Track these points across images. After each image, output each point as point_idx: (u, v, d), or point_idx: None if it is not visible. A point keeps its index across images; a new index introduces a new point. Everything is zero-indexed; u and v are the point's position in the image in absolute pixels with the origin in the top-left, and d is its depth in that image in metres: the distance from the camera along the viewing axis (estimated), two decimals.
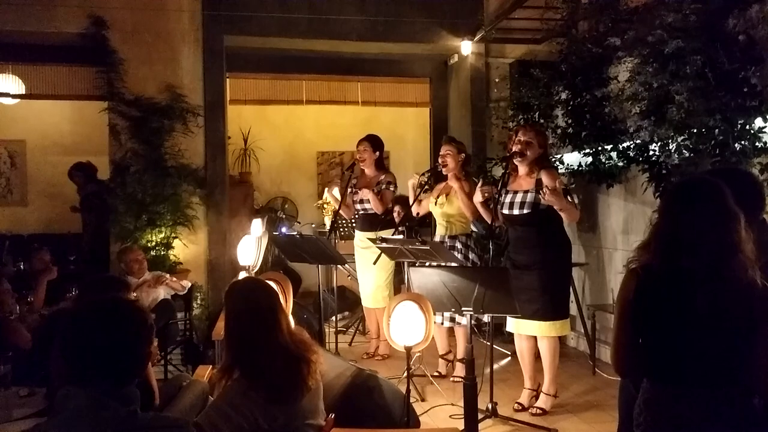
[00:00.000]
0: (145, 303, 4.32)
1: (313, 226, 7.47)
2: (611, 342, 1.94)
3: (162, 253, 5.47)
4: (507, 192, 3.73)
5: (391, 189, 4.74)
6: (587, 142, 4.67)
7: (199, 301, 5.49)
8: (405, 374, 3.01)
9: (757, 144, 3.34)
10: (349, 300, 6.07)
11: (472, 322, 3.21)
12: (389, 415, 2.95)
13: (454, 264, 3.86)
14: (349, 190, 4.78)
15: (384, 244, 4.00)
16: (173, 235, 5.54)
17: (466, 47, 6.13)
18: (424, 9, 6.06)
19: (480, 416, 3.31)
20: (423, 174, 4.39)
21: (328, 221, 6.63)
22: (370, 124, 6.59)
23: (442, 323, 4.27)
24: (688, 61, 3.41)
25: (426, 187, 4.37)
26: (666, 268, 1.76)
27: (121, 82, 5.47)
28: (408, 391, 2.94)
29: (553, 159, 4.80)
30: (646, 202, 4.25)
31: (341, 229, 5.91)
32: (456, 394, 3.89)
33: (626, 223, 4.67)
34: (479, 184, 3.84)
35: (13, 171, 7.49)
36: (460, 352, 4.27)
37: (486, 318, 3.71)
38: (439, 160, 4.31)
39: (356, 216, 4.96)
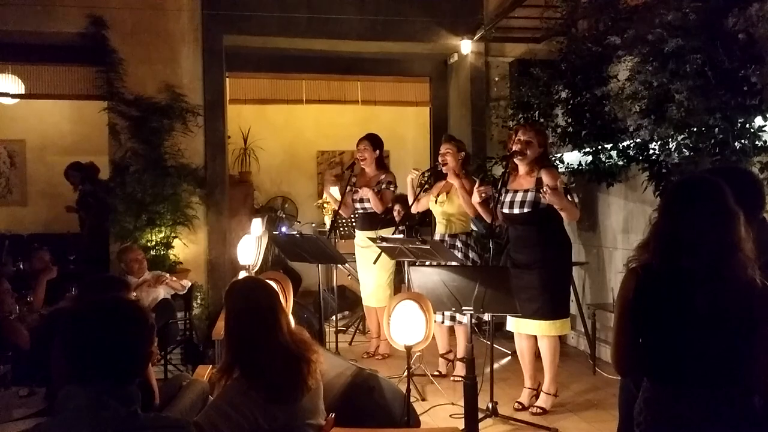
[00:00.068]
0: (145, 303, 4.31)
1: (313, 225, 7.46)
2: (611, 341, 1.94)
3: (162, 252, 5.47)
4: (507, 191, 3.73)
5: (392, 189, 4.74)
6: (587, 141, 4.66)
7: (199, 301, 5.49)
8: (405, 373, 3.01)
9: (756, 143, 3.34)
10: (349, 299, 6.07)
11: (473, 321, 3.20)
12: (389, 415, 2.95)
13: (454, 263, 3.86)
14: (348, 188, 4.78)
15: (384, 244, 4.00)
16: (173, 234, 5.54)
17: (466, 46, 6.13)
18: (423, 8, 6.06)
19: (480, 415, 3.31)
20: (423, 173, 4.39)
21: (328, 221, 6.64)
22: (370, 124, 6.59)
23: (443, 322, 4.27)
24: (688, 60, 3.41)
25: (426, 186, 4.37)
26: (666, 267, 1.76)
27: (121, 82, 5.46)
28: (408, 390, 2.94)
29: (553, 158, 4.80)
30: (646, 201, 4.24)
31: (341, 229, 5.91)
32: (456, 393, 3.89)
33: (626, 222, 4.67)
34: (476, 185, 3.84)
35: (13, 171, 7.49)
36: (461, 351, 4.27)
37: (486, 317, 3.71)
38: (439, 159, 4.32)
39: (356, 215, 4.96)
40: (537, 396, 3.77)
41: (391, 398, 3.02)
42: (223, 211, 5.86)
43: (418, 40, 6.15)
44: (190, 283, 4.93)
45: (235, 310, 2.12)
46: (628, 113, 4.16)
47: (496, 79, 6.11)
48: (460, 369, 4.26)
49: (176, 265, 5.49)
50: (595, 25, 4.62)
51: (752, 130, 3.33)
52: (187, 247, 5.64)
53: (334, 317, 5.38)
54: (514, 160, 3.70)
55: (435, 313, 2.95)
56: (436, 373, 4.40)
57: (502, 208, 3.71)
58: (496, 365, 4.00)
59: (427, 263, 3.85)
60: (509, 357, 4.76)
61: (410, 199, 4.42)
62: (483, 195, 3.76)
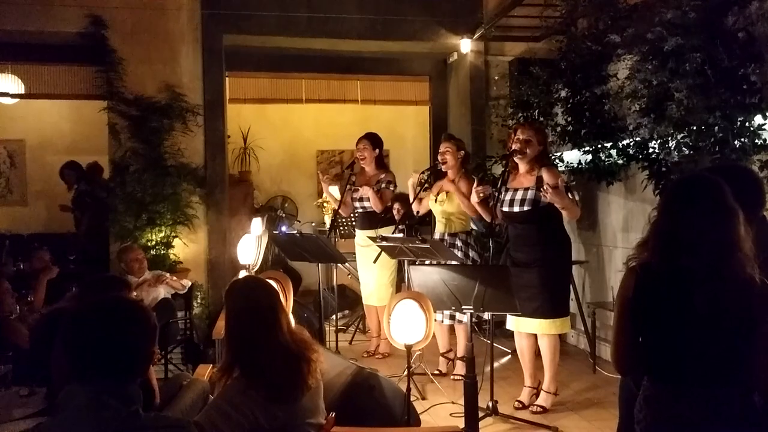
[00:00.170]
0: (146, 302, 4.31)
1: (313, 224, 7.46)
2: (611, 340, 1.94)
3: (162, 252, 5.47)
4: (507, 190, 3.73)
5: (391, 188, 4.74)
6: (587, 140, 4.67)
7: (199, 300, 5.49)
8: (405, 372, 3.01)
9: (756, 141, 3.34)
10: (349, 298, 6.08)
11: (473, 320, 3.21)
12: (390, 414, 2.95)
13: (454, 262, 3.86)
14: (348, 187, 4.78)
15: (384, 243, 4.00)
16: (173, 234, 5.54)
17: (466, 45, 6.13)
18: (423, 7, 6.06)
19: (480, 414, 3.31)
20: (423, 172, 4.39)
21: (328, 220, 6.64)
22: (370, 123, 6.59)
23: (443, 321, 4.27)
24: (687, 59, 3.41)
25: (426, 185, 4.37)
26: (665, 266, 1.76)
27: (121, 82, 5.46)
28: (408, 389, 2.95)
29: (553, 157, 4.80)
30: (645, 199, 4.25)
31: (341, 228, 5.91)
32: (456, 392, 3.89)
33: (626, 220, 4.67)
34: (474, 184, 3.84)
35: (13, 171, 7.49)
36: (461, 350, 4.27)
37: (486, 316, 3.71)
38: (439, 158, 4.32)
39: (355, 214, 4.96)
40: (537, 395, 3.78)
41: (392, 397, 3.02)
42: (223, 210, 5.86)
43: (417, 39, 6.15)
44: (190, 283, 4.93)
45: (236, 309, 2.12)
46: (628, 112, 4.16)
47: (496, 78, 6.11)
48: (460, 368, 4.26)
49: (176, 265, 5.50)
50: (595, 24, 4.61)
51: (752, 129, 3.33)
52: (187, 246, 5.64)
53: (334, 316, 5.39)
54: (514, 159, 3.70)
55: (435, 312, 2.95)
56: (437, 372, 4.40)
57: (502, 206, 3.71)
58: (496, 364, 4.01)
59: (427, 262, 3.85)
60: (509, 356, 4.76)
61: (411, 200, 4.42)
62: (481, 195, 3.76)
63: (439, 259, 3.80)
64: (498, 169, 5.25)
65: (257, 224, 5.32)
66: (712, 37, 3.36)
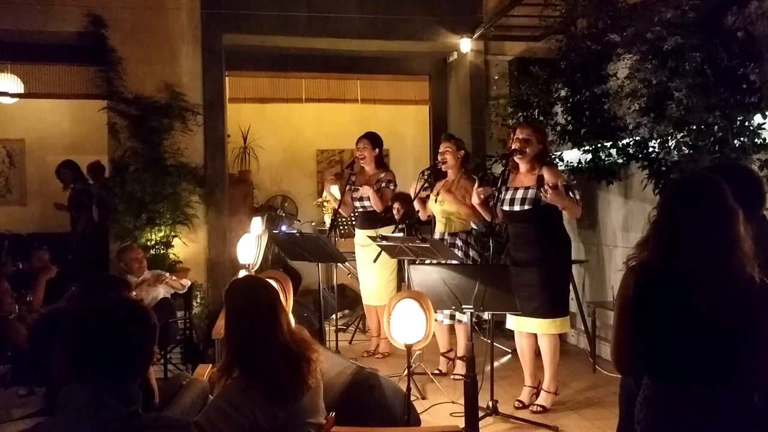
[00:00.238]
0: (145, 302, 4.31)
1: (313, 224, 7.46)
2: (611, 339, 1.94)
3: (162, 251, 5.47)
4: (507, 189, 3.73)
5: (391, 187, 4.74)
6: (587, 139, 4.67)
7: (198, 300, 5.49)
8: (405, 372, 3.01)
9: (756, 140, 3.34)
10: (349, 298, 6.08)
11: (473, 319, 3.20)
12: (390, 413, 2.95)
13: (454, 261, 3.86)
14: (348, 187, 4.78)
15: (384, 242, 4.00)
16: (173, 233, 5.54)
17: (466, 45, 6.13)
18: (423, 7, 6.06)
19: (480, 414, 3.31)
20: (423, 172, 4.39)
21: (328, 219, 6.63)
22: (370, 122, 6.59)
23: (443, 321, 4.27)
24: (687, 58, 3.41)
25: (426, 185, 4.37)
26: (665, 265, 1.76)
27: (120, 81, 5.46)
28: (408, 389, 2.95)
29: (553, 156, 4.80)
30: (645, 199, 4.25)
31: (341, 227, 5.91)
32: (456, 391, 3.89)
33: (626, 220, 4.67)
34: (475, 185, 3.83)
35: (12, 170, 7.49)
36: (461, 349, 4.27)
37: (486, 315, 3.71)
38: (439, 157, 4.32)
39: (355, 214, 4.96)
40: (537, 394, 3.78)
41: (392, 397, 3.02)
42: (222, 210, 5.86)
43: (417, 38, 6.15)
44: (189, 282, 4.93)
45: (235, 308, 2.12)
46: (628, 111, 4.16)
47: (496, 77, 6.11)
48: (460, 367, 4.26)
49: (176, 264, 5.49)
50: (595, 24, 4.62)
51: (751, 128, 3.33)
52: (186, 246, 5.64)
53: (334, 316, 5.38)
54: (514, 158, 3.70)
55: (435, 312, 2.95)
56: (437, 371, 4.40)
57: (502, 205, 3.71)
58: (496, 363, 4.01)
59: (427, 262, 3.85)
60: (509, 355, 4.76)
61: (415, 205, 4.41)
62: (482, 196, 3.76)
63: (439, 259, 3.80)
64: (498, 169, 5.25)
65: (257, 224, 5.32)
66: (712, 37, 3.36)
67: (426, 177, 4.35)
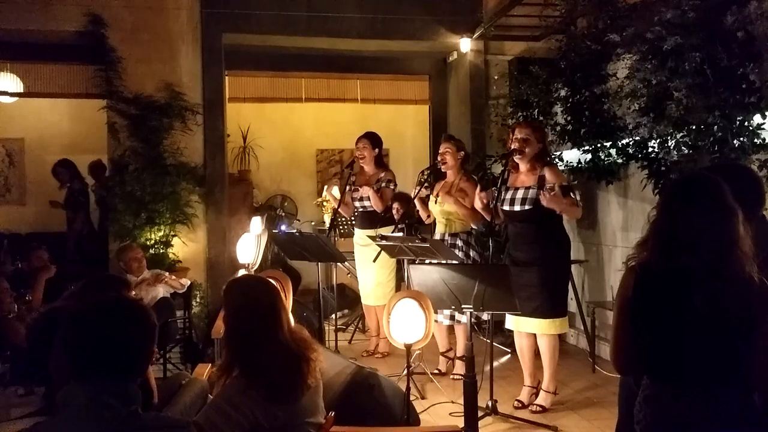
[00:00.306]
0: (145, 301, 4.31)
1: (313, 223, 7.46)
2: (611, 339, 1.94)
3: (161, 251, 5.46)
4: (507, 189, 3.73)
5: (391, 187, 4.74)
6: (586, 139, 4.67)
7: (198, 300, 5.49)
8: (405, 372, 3.01)
9: (755, 140, 3.34)
10: (348, 298, 6.07)
11: (472, 319, 3.20)
12: (389, 413, 2.95)
13: (453, 261, 3.86)
14: (348, 187, 4.78)
15: (384, 242, 4.00)
16: (172, 233, 5.54)
17: (465, 44, 6.13)
18: (422, 6, 6.06)
19: (480, 414, 3.31)
20: (422, 171, 4.39)
21: (327, 219, 6.63)
22: (370, 122, 6.59)
23: (443, 322, 4.26)
24: (686, 58, 3.41)
25: (426, 184, 4.37)
26: (665, 265, 1.76)
27: (120, 81, 5.46)
28: (408, 388, 2.95)
29: (553, 156, 4.80)
30: (645, 199, 4.25)
31: (341, 227, 5.91)
32: (456, 391, 3.89)
33: (625, 220, 4.68)
34: (477, 190, 3.82)
35: (12, 170, 7.48)
36: (460, 349, 4.27)
37: (486, 316, 3.71)
38: (439, 158, 4.32)
39: (355, 214, 4.96)
40: (537, 394, 3.78)
41: (391, 396, 3.02)
42: (222, 209, 5.86)
43: (417, 38, 6.14)
44: (189, 282, 4.93)
45: (235, 307, 2.11)
46: (627, 111, 4.16)
47: (496, 77, 6.11)
48: (459, 367, 4.26)
49: (175, 264, 5.49)
50: (594, 23, 4.62)
51: (751, 128, 3.33)
52: (186, 245, 5.63)
53: (333, 316, 5.38)
54: (514, 158, 3.70)
55: (435, 312, 2.95)
56: (436, 371, 4.40)
57: (502, 205, 3.71)
58: (495, 363, 4.01)
59: (427, 261, 3.85)
60: (509, 355, 4.76)
61: (419, 208, 4.40)
62: (485, 201, 3.75)
63: (439, 259, 3.80)
64: (498, 168, 5.26)
65: (257, 223, 5.31)
66: (711, 37, 3.36)
67: (426, 177, 4.35)
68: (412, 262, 3.86)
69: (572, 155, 4.91)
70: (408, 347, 2.90)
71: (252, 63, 6.57)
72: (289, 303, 2.93)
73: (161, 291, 4.58)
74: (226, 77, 6.19)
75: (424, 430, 3.14)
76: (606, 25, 4.40)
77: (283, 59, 6.59)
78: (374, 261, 4.29)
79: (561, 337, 4.21)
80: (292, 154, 8.17)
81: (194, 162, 5.66)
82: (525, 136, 3.66)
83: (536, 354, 3.79)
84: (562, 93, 4.91)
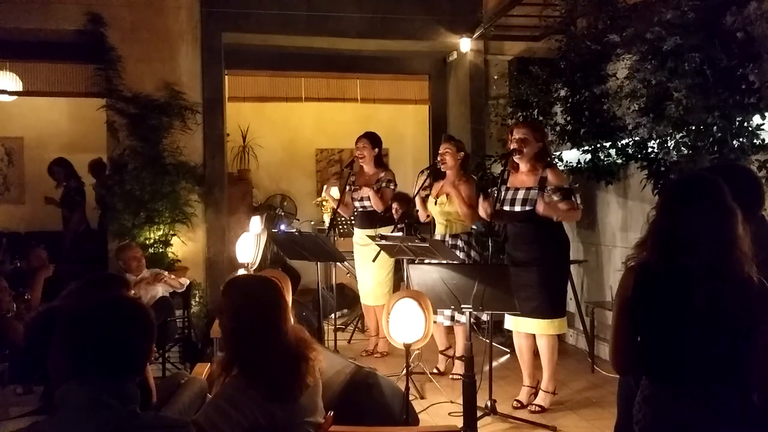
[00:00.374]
0: (144, 300, 4.31)
1: (312, 223, 7.46)
2: (610, 339, 1.94)
3: (160, 250, 5.46)
4: (508, 189, 3.72)
5: (392, 187, 4.74)
6: (586, 140, 4.67)
7: (197, 299, 5.48)
8: (404, 372, 3.01)
9: (755, 141, 3.34)
10: (348, 297, 6.07)
11: (471, 319, 3.20)
12: (388, 413, 2.95)
13: (453, 261, 3.86)
14: (347, 187, 4.78)
15: (383, 242, 4.00)
16: (172, 232, 5.54)
17: (465, 44, 6.12)
18: (422, 6, 6.05)
19: (479, 414, 3.32)
20: (422, 171, 4.39)
21: (327, 218, 6.63)
22: (369, 122, 6.59)
23: (443, 322, 4.26)
24: (686, 58, 3.41)
25: (426, 185, 4.37)
26: (664, 265, 1.76)
27: (119, 80, 5.45)
28: (407, 388, 2.95)
29: (553, 156, 4.80)
30: (644, 199, 4.25)
31: (340, 227, 5.91)
32: (455, 391, 3.89)
33: (625, 220, 4.68)
34: (480, 200, 3.81)
35: (11, 168, 7.47)
36: (459, 349, 4.27)
37: (485, 316, 3.71)
38: (438, 158, 4.31)
39: (355, 213, 4.96)
40: (536, 394, 3.78)
41: (390, 396, 3.02)
42: (221, 208, 5.86)
43: (417, 38, 6.14)
44: (188, 281, 4.92)
45: (236, 306, 2.10)
46: (627, 111, 4.16)
47: (495, 77, 6.11)
48: (458, 367, 4.26)
49: (175, 263, 5.49)
50: (594, 24, 4.62)
51: (750, 129, 3.33)
52: (185, 245, 5.63)
53: (333, 315, 5.38)
54: (513, 158, 3.70)
55: (435, 313, 2.95)
56: (435, 370, 4.40)
57: (502, 205, 3.71)
58: (494, 363, 4.01)
59: (426, 261, 3.85)
60: (508, 355, 4.76)
61: (418, 207, 4.40)
62: (489, 210, 3.74)
63: (439, 259, 3.79)
64: (497, 168, 5.26)
65: (256, 223, 5.30)
66: (711, 37, 3.37)
67: (426, 177, 4.34)
68: (412, 261, 3.85)
69: (572, 155, 4.91)
70: (407, 347, 2.90)
71: (252, 62, 6.56)
72: (288, 302, 2.92)
73: (160, 290, 4.58)
74: (226, 76, 6.18)
75: (423, 430, 3.14)
76: (606, 26, 4.40)
77: (282, 59, 6.58)
78: (373, 261, 4.29)
79: (560, 337, 4.22)
80: (291, 154, 8.17)
81: (194, 161, 5.66)
82: (523, 135, 3.66)
83: (535, 354, 3.79)
84: (562, 93, 4.91)
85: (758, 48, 3.29)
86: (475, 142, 6.09)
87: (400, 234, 4.24)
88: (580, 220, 4.75)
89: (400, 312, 2.87)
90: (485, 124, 6.15)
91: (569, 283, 4.44)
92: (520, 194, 3.66)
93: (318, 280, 4.45)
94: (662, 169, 3.81)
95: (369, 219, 4.75)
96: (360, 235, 4.79)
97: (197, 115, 5.65)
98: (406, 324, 2.87)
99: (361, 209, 4.81)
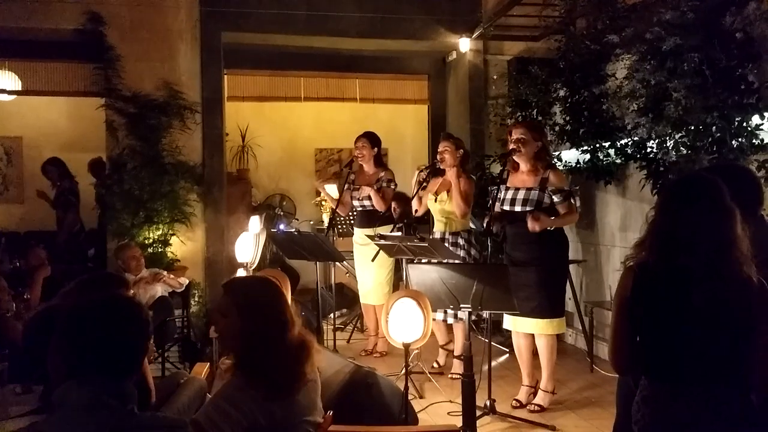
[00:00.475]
0: (143, 300, 4.31)
1: (311, 223, 7.46)
2: (609, 339, 1.94)
3: (159, 250, 5.45)
4: (507, 188, 3.72)
5: (392, 186, 4.75)
6: (585, 140, 4.67)
7: (196, 299, 5.48)
8: (403, 371, 3.02)
9: (754, 141, 3.35)
10: (347, 297, 6.07)
11: (473, 317, 3.20)
12: (388, 412, 2.95)
13: (452, 261, 3.86)
14: (346, 185, 4.79)
15: (382, 241, 4.00)
16: (171, 232, 5.53)
17: (465, 44, 6.12)
18: (422, 6, 6.05)
19: (478, 413, 3.32)
20: (422, 171, 4.39)
21: (326, 218, 6.63)
22: (369, 121, 6.59)
23: (445, 320, 4.25)
24: (685, 59, 3.41)
25: (424, 184, 4.37)
26: (663, 265, 1.76)
27: (119, 79, 5.45)
28: (406, 388, 2.95)
29: (552, 156, 4.80)
30: (643, 199, 4.25)
31: (339, 226, 5.91)
32: (454, 391, 3.89)
33: (624, 220, 4.68)
34: (485, 219, 3.81)
35: (10, 168, 7.47)
36: (458, 348, 4.28)
37: (486, 313, 3.71)
38: (438, 157, 4.32)
39: (354, 212, 4.96)
40: (535, 394, 3.78)
41: (390, 396, 3.02)
42: (220, 208, 5.85)
43: (416, 38, 6.14)
44: (187, 281, 4.92)
45: (237, 307, 2.09)
46: (626, 111, 4.17)
47: (495, 77, 6.11)
48: (458, 366, 4.26)
49: (174, 263, 5.48)
50: (594, 24, 4.62)
51: (750, 129, 3.34)
52: (184, 244, 5.63)
53: (332, 315, 5.38)
54: (513, 158, 3.71)
55: (435, 311, 2.95)
56: (435, 365, 4.40)
57: (502, 205, 3.71)
58: (494, 363, 4.01)
59: (424, 261, 3.85)
60: (507, 355, 4.76)
61: (414, 202, 4.41)
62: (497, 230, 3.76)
63: (438, 258, 3.80)
64: (496, 168, 5.26)
65: (255, 222, 5.30)
66: (710, 38, 3.37)
67: (425, 176, 4.34)
68: (411, 261, 3.86)
69: (571, 155, 4.91)
70: (406, 346, 2.90)
71: (251, 62, 6.56)
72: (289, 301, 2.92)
73: (159, 290, 4.57)
74: (225, 76, 6.18)
75: (422, 430, 3.14)
76: (605, 26, 4.40)
77: (282, 58, 6.58)
78: (372, 260, 4.29)
79: (559, 337, 4.22)
80: (290, 154, 8.17)
81: (193, 161, 5.65)
82: (521, 135, 3.67)
83: (534, 354, 3.79)
84: (561, 93, 4.92)
85: (757, 48, 3.30)
86: (475, 142, 6.09)
87: (399, 234, 4.24)
88: (579, 219, 4.76)
89: (400, 312, 2.87)
90: (484, 124, 6.15)
91: (568, 283, 4.45)
92: (521, 194, 3.66)
93: (317, 279, 4.45)
94: (661, 169, 3.81)
95: (368, 218, 4.75)
96: (359, 235, 4.79)
97: (196, 114, 5.64)
98: (405, 323, 2.87)
99: (360, 208, 4.81)
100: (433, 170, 4.43)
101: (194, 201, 5.66)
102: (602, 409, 3.70)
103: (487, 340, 3.79)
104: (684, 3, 3.47)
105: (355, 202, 4.83)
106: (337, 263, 5.49)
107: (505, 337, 4.65)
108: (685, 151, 3.56)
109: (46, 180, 6.63)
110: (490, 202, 3.74)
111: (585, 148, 4.64)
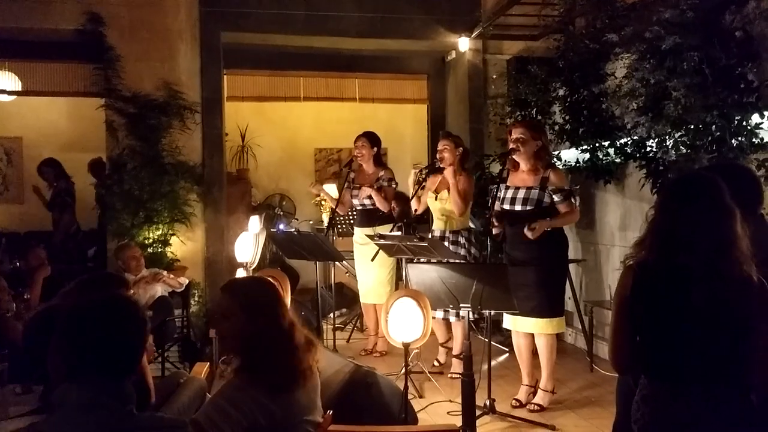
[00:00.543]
0: (143, 300, 4.31)
1: (311, 222, 7.46)
2: (609, 339, 1.94)
3: (159, 250, 5.45)
4: (507, 187, 3.72)
5: (393, 186, 4.75)
6: (585, 139, 4.67)
7: (196, 299, 5.48)
8: (403, 371, 3.02)
9: (753, 140, 3.35)
10: (347, 297, 6.08)
11: (474, 315, 3.20)
12: (387, 412, 2.95)
13: (451, 260, 3.86)
14: (346, 184, 4.79)
15: (382, 241, 4.00)
16: (170, 232, 5.53)
17: (464, 44, 6.12)
18: (421, 5, 6.05)
19: (478, 413, 3.32)
20: (421, 170, 4.39)
21: (326, 218, 6.64)
22: (368, 121, 6.59)
23: (446, 318, 4.25)
24: (685, 58, 3.41)
25: (423, 183, 4.37)
26: (662, 264, 1.76)
27: (118, 79, 5.44)
28: (406, 387, 2.95)
29: (552, 155, 4.80)
30: (643, 198, 4.25)
31: (339, 226, 5.91)
32: (454, 390, 3.89)
33: (623, 219, 4.68)
34: (489, 218, 3.81)
35: (10, 168, 7.46)
36: (458, 348, 4.28)
37: (485, 314, 3.71)
38: (437, 155, 4.32)
39: (353, 212, 4.96)
40: (534, 393, 3.78)
41: (389, 395, 3.02)
42: (220, 208, 5.86)
43: (416, 37, 6.14)
44: (187, 281, 4.92)
45: (237, 308, 2.09)
46: (626, 110, 4.17)
47: (494, 76, 6.11)
48: (457, 366, 4.26)
49: (174, 263, 5.48)
50: (593, 23, 4.62)
51: (749, 128, 3.34)
52: (184, 244, 5.63)
53: (331, 314, 5.39)
54: (513, 157, 3.71)
55: (435, 310, 2.96)
56: (436, 362, 4.40)
57: (501, 204, 3.71)
58: (493, 362, 4.01)
59: (425, 260, 3.85)
60: (507, 354, 4.76)
61: (413, 202, 4.41)
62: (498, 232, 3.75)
63: (437, 258, 3.80)
64: (496, 168, 5.26)
65: (255, 222, 5.30)
66: (710, 37, 3.37)
67: (424, 176, 4.34)
68: (410, 261, 3.86)
69: (570, 154, 4.91)
70: (406, 346, 2.90)
71: (251, 62, 6.56)
72: (287, 302, 2.92)
73: (159, 290, 4.58)
74: (225, 76, 6.18)
75: (422, 429, 3.14)
76: (604, 25, 4.40)
77: (281, 58, 6.58)
78: (372, 260, 4.29)
79: (559, 336, 4.22)
80: (290, 153, 8.17)
81: (192, 161, 5.65)
82: (520, 135, 3.67)
83: (534, 353, 3.79)
84: (561, 92, 4.92)
85: (757, 47, 3.30)
86: (474, 142, 6.09)
87: (399, 233, 4.24)
88: (579, 219, 4.76)
89: (399, 311, 2.88)
90: (484, 124, 6.15)
91: (568, 283, 4.45)
92: (521, 193, 3.66)
93: (317, 279, 4.46)
94: (661, 168, 3.81)
95: (368, 217, 4.76)
96: (359, 234, 4.80)
97: (196, 114, 5.64)
98: (404, 323, 2.87)
99: (360, 207, 4.82)
100: (432, 168, 4.43)
101: (194, 201, 5.66)
102: (602, 409, 3.70)
103: (486, 340, 3.79)
104: (683, 2, 3.47)
105: (355, 201, 4.84)
106: (337, 263, 5.49)
107: (505, 337, 4.65)
108: (684, 150, 3.56)
109: (43, 181, 6.65)
110: (490, 201, 3.74)
111: (584, 147, 4.64)
